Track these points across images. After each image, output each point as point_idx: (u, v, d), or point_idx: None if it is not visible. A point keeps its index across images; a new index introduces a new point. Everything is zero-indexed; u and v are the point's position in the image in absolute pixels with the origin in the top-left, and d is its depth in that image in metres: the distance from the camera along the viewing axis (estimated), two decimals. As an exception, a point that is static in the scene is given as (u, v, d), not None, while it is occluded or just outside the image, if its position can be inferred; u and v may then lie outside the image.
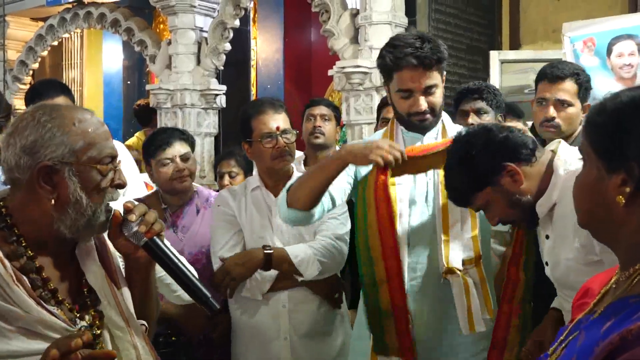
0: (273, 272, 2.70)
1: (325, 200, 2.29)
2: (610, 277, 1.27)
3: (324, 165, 2.26)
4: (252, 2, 5.97)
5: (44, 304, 1.47)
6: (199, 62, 6.05)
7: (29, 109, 1.54)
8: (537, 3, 5.80)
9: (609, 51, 3.85)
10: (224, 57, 5.98)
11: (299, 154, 3.70)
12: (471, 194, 2.01)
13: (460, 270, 2.25)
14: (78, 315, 1.53)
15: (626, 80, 3.81)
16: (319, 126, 3.80)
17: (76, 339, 1.27)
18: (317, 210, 2.29)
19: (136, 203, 1.60)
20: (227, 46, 5.94)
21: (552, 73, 2.81)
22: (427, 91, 2.26)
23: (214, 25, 5.92)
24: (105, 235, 1.64)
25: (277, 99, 2.95)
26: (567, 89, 2.76)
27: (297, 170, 2.96)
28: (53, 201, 1.48)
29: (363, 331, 2.36)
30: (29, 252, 1.50)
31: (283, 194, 2.31)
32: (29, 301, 1.44)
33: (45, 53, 7.59)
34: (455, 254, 2.27)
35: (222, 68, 6.05)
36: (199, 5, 6.03)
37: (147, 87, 6.49)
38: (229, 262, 2.67)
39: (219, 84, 6.12)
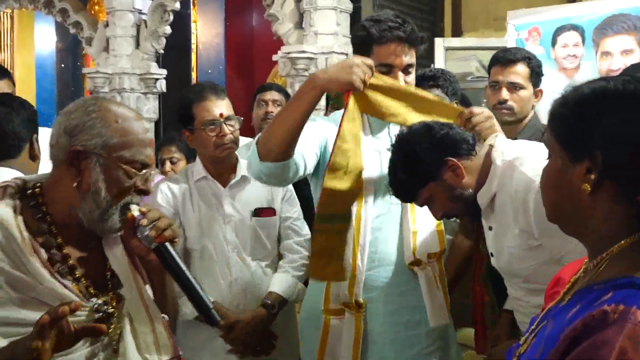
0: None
1: (299, 160, 2.11)
2: (581, 266, 1.30)
3: (296, 100, 2.04)
4: (193, -16, 5.84)
5: (58, 277, 1.52)
6: (138, 45, 5.89)
7: (86, 97, 1.63)
8: (478, -9, 5.88)
9: (554, 42, 3.94)
10: (164, 40, 5.85)
11: (247, 140, 3.61)
12: (415, 190, 2.06)
13: (425, 263, 2.26)
14: (94, 292, 1.58)
15: (569, 71, 3.91)
16: (271, 112, 3.70)
17: (64, 307, 1.32)
18: (291, 166, 2.09)
19: (149, 206, 1.63)
20: (167, 29, 5.82)
21: (504, 57, 2.85)
22: (406, 70, 2.22)
23: (154, 8, 5.77)
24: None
25: (218, 84, 2.81)
26: (519, 72, 2.81)
27: (245, 158, 2.89)
28: (75, 184, 1.55)
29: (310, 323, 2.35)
30: (53, 229, 1.57)
31: (253, 147, 2.09)
32: (42, 272, 1.50)
33: (-27, 34, 7.27)
34: (422, 246, 2.27)
35: (162, 52, 5.91)
36: (137, -14, 5.88)
37: (84, 70, 6.31)
38: (239, 324, 2.58)
39: (159, 68, 5.98)
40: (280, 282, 2.65)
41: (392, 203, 2.28)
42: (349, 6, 4.89)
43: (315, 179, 2.32)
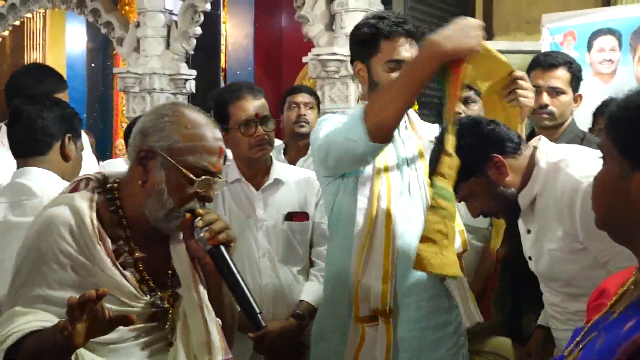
0: None
1: None
2: (627, 277, 1.26)
3: (414, 69, 1.91)
4: (224, -14, 5.86)
5: (119, 267, 1.59)
6: (168, 45, 5.92)
7: (167, 102, 1.70)
8: (510, -6, 5.82)
9: (590, 46, 3.88)
10: (194, 41, 5.86)
11: (277, 143, 3.59)
12: (457, 183, 2.01)
13: None
14: (153, 287, 1.64)
15: (604, 76, 3.85)
16: (304, 115, 3.67)
17: (91, 291, 1.36)
18: None
19: (209, 209, 1.65)
20: (198, 30, 5.83)
21: (545, 61, 2.81)
22: None
23: (184, 9, 5.80)
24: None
25: (254, 84, 2.78)
26: (560, 76, 2.77)
27: (276, 159, 2.86)
28: (141, 182, 1.62)
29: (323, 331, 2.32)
30: (124, 222, 1.65)
31: (357, 127, 1.94)
32: (105, 260, 1.58)
33: (6, 33, 7.36)
34: None
35: (192, 52, 5.93)
36: (168, -13, 5.91)
37: (115, 70, 6.36)
38: (269, 334, 2.54)
39: (189, 68, 6.00)
40: (310, 291, 2.61)
41: (413, 206, 2.23)
42: (380, 8, 4.86)
43: (346, 178, 2.24)
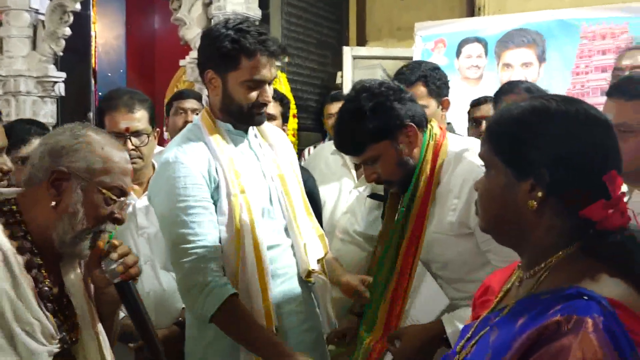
0: None
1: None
2: (508, 275, 1.34)
3: (260, 353, 2.06)
4: (93, -16, 5.65)
5: (42, 305, 1.52)
6: (34, 46, 5.63)
7: (74, 124, 1.65)
8: (382, 2, 6.00)
9: (458, 52, 4.10)
10: (63, 42, 5.59)
11: (160, 149, 3.51)
12: (368, 144, 2.06)
13: (319, 271, 2.28)
14: (62, 319, 1.60)
15: (471, 80, 4.09)
16: (191, 121, 3.60)
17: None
18: None
19: (121, 241, 1.64)
20: (67, 31, 5.57)
21: (400, 80, 2.77)
22: (270, 82, 2.17)
23: (52, 8, 5.52)
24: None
25: (138, 92, 2.70)
26: (418, 94, 2.75)
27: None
28: (54, 203, 1.56)
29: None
30: (34, 249, 1.57)
31: (207, 312, 2.03)
32: (31, 299, 1.50)
33: None
34: (312, 255, 2.28)
35: (61, 54, 5.67)
36: (34, -15, 5.61)
37: (-24, 72, 5.94)
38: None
39: (58, 70, 5.72)
40: None
41: (275, 218, 2.23)
42: (258, 13, 4.87)
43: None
